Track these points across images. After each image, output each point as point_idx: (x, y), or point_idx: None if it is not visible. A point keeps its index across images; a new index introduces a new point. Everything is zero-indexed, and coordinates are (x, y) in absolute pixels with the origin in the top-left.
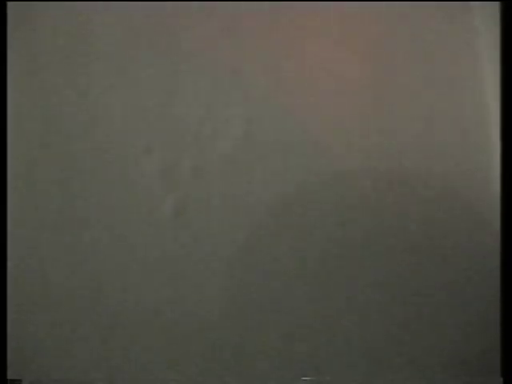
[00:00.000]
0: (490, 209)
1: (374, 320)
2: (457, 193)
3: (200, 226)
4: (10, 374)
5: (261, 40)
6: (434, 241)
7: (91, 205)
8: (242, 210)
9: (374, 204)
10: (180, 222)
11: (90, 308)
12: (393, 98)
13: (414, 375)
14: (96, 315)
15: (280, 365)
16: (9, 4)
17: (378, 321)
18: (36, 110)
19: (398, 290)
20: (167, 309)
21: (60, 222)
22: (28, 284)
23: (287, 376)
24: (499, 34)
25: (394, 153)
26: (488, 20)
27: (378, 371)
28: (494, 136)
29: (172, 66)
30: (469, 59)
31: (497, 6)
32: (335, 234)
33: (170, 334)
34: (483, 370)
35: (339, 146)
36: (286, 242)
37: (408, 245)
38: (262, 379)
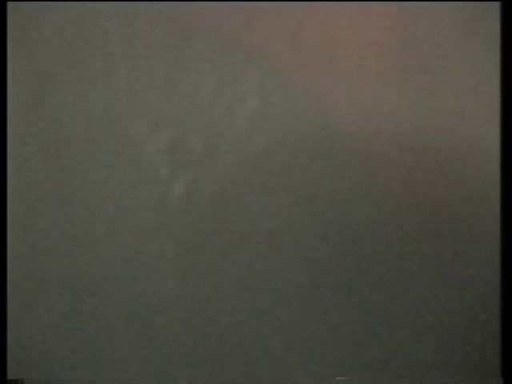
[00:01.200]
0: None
1: (372, 319)
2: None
3: (211, 211)
4: (10, 374)
5: (275, 16)
6: (432, 226)
7: (94, 188)
8: (256, 194)
9: (385, 173)
10: (189, 207)
11: (90, 306)
12: (414, 81)
13: (413, 375)
14: (97, 313)
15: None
16: (9, 4)
17: (376, 320)
18: (38, 101)
19: (396, 288)
20: (175, 305)
21: (62, 208)
22: (28, 282)
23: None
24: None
25: (410, 130)
26: None
27: (377, 371)
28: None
29: (181, 42)
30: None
31: None
32: (343, 205)
33: (175, 331)
34: (483, 370)
35: (357, 123)
36: (305, 229)
37: (405, 228)
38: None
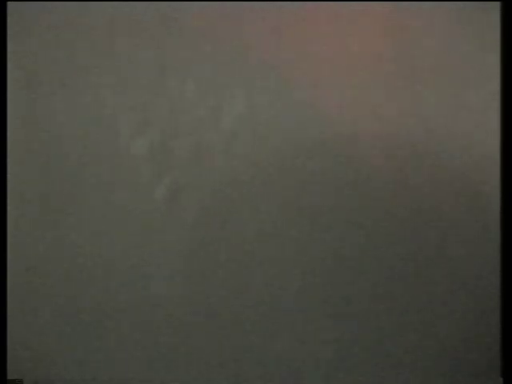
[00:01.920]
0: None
1: (371, 319)
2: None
3: (195, 213)
4: (10, 374)
5: (263, 15)
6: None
7: (77, 190)
8: (242, 196)
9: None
10: (173, 210)
11: (91, 307)
12: (413, 83)
13: (414, 375)
14: (97, 313)
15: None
16: (9, 4)
17: (376, 321)
18: (34, 101)
19: (396, 289)
20: (169, 303)
21: (47, 210)
22: (28, 283)
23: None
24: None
25: (408, 132)
26: None
27: (378, 371)
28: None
29: (166, 41)
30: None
31: None
32: (339, 206)
33: (175, 330)
34: (483, 370)
35: (346, 121)
36: (292, 238)
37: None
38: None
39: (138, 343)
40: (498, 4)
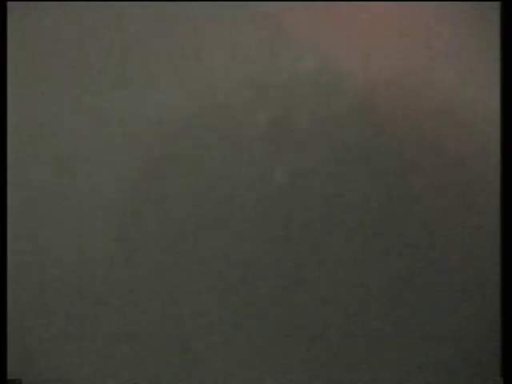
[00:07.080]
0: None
1: (370, 318)
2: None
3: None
4: (9, 374)
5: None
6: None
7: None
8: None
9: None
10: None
11: (91, 308)
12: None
13: (413, 375)
14: (98, 315)
15: None
16: (9, 4)
17: (376, 320)
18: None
19: (396, 287)
20: (180, 313)
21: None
22: (28, 283)
23: None
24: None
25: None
26: None
27: (377, 371)
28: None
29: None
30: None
31: None
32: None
33: (182, 336)
34: (483, 370)
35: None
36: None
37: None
38: None
39: (139, 346)
40: (498, 4)
